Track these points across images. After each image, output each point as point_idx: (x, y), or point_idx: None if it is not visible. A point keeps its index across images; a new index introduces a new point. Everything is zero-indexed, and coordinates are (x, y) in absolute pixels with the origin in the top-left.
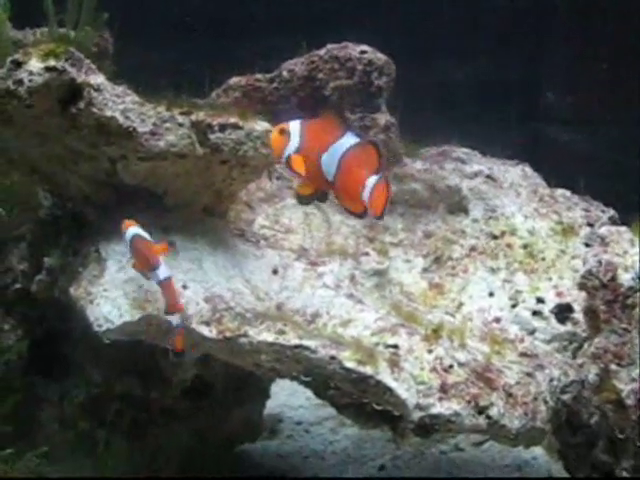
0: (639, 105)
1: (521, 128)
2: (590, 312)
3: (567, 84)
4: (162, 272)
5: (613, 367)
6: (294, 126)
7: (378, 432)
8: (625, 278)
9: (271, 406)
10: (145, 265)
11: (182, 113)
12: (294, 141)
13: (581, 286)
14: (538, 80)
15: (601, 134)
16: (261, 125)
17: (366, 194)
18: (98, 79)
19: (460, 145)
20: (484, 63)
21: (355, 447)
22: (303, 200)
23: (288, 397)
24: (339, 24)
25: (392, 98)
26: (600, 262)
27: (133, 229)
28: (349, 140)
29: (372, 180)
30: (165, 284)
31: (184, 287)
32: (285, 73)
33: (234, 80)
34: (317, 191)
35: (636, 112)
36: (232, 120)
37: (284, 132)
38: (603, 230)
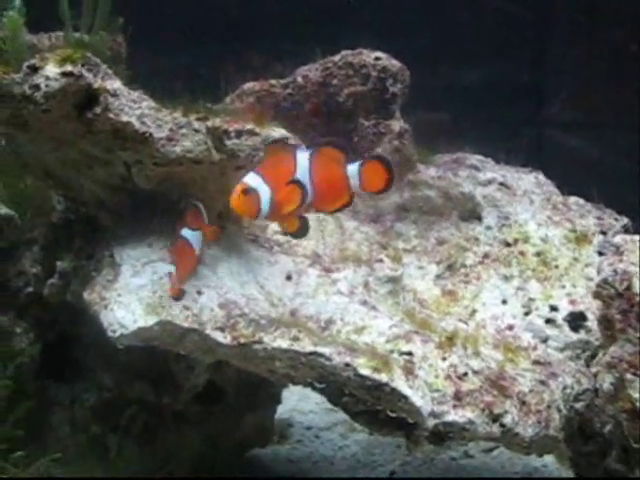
0: None
1: (526, 133)
2: (605, 321)
3: (572, 89)
4: (186, 232)
5: (628, 376)
6: (254, 179)
7: (388, 438)
8: None
9: (281, 411)
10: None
11: (198, 119)
12: (265, 192)
13: (596, 295)
14: (542, 85)
15: (607, 139)
16: (277, 132)
17: (354, 182)
18: (115, 84)
19: (472, 152)
20: (488, 68)
21: (365, 453)
22: (298, 235)
23: (298, 402)
24: (353, 29)
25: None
26: (615, 271)
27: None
28: (304, 154)
29: (354, 168)
30: (183, 243)
31: (198, 293)
32: (299, 79)
33: (248, 85)
34: (303, 220)
35: None
36: (248, 126)
37: (249, 191)
38: (618, 239)
